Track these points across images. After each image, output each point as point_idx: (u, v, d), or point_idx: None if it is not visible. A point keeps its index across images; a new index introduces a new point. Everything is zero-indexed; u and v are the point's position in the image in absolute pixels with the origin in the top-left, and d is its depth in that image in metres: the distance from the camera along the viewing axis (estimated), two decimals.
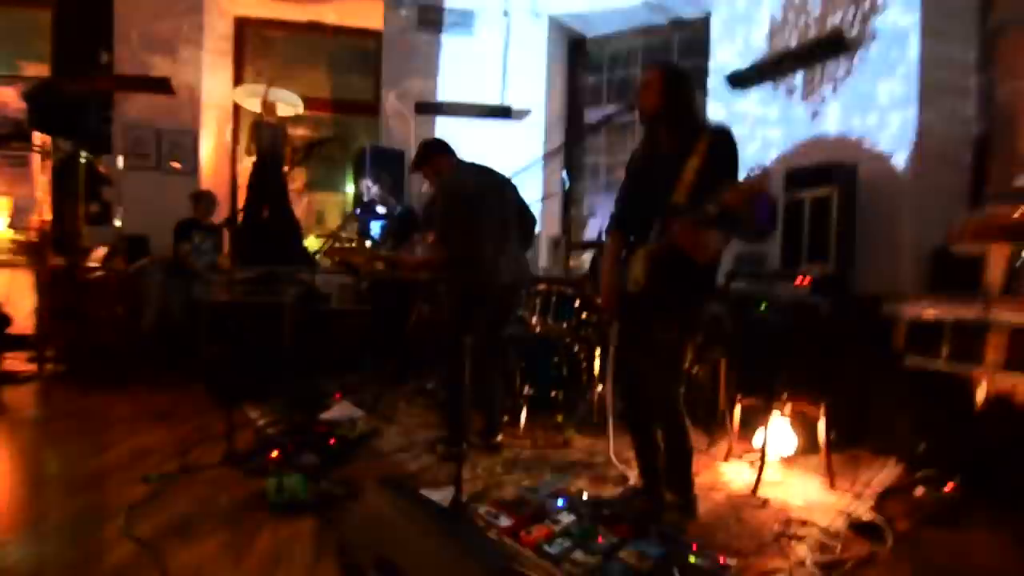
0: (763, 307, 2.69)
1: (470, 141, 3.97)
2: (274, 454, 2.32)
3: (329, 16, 5.28)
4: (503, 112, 5.04)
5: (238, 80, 5.19)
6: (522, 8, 5.11)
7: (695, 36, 4.93)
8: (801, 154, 3.60)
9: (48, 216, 4.46)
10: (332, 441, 2.57)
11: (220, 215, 4.50)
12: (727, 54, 4.27)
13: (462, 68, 5.12)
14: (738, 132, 1.92)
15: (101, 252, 4.42)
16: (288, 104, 4.81)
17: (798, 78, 3.70)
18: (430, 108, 4.99)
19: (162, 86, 4.64)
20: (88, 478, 2.20)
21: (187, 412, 3.13)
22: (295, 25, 5.28)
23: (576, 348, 3.21)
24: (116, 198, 4.68)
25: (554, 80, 5.37)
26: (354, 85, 5.53)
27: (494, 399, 2.61)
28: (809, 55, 3.59)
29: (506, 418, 2.81)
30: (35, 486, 2.22)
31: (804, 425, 2.54)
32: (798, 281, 2.97)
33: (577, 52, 5.56)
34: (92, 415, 3.10)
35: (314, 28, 5.34)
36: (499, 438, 2.60)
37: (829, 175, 3.05)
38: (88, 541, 1.70)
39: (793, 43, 3.71)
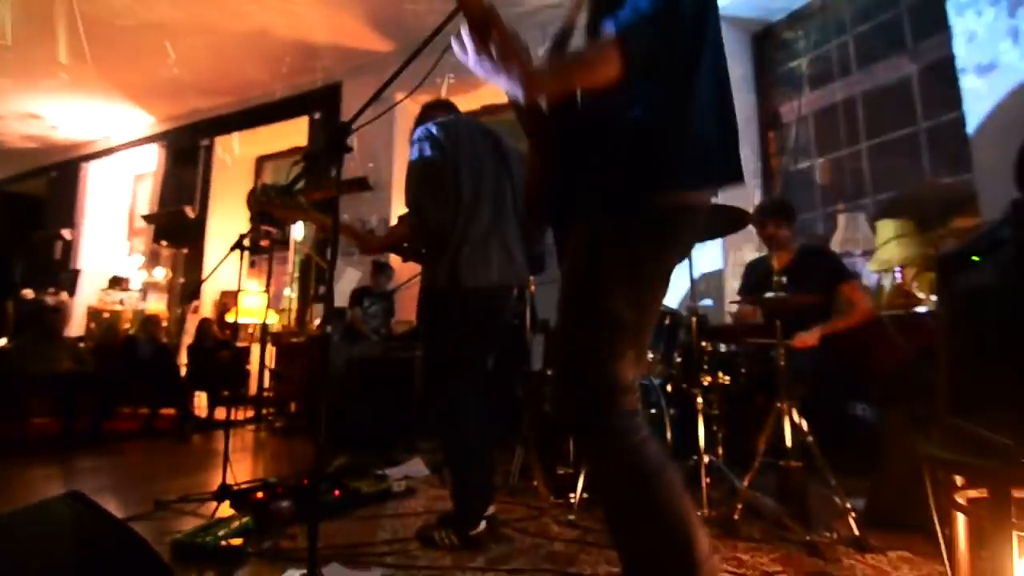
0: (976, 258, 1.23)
1: None
2: (259, 494, 2.09)
3: (499, 96, 5.64)
4: None
5: None
6: None
7: None
8: None
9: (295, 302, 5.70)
10: (336, 492, 2.20)
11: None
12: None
13: None
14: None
15: (315, 324, 5.31)
16: None
17: None
18: None
19: (362, 185, 5.58)
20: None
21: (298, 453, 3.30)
22: (469, 113, 5.79)
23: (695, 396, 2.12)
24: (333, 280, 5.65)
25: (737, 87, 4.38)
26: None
27: (468, 465, 1.74)
28: None
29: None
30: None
31: None
32: None
33: (765, 45, 4.48)
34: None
35: (485, 112, 5.75)
36: (479, 527, 1.71)
37: None
38: None
39: None
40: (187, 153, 6.93)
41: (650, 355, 2.21)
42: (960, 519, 1.03)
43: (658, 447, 0.93)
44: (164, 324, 5.96)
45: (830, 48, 4.02)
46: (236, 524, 1.81)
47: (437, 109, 2.07)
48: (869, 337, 2.69)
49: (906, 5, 3.62)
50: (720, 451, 2.15)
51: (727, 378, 2.16)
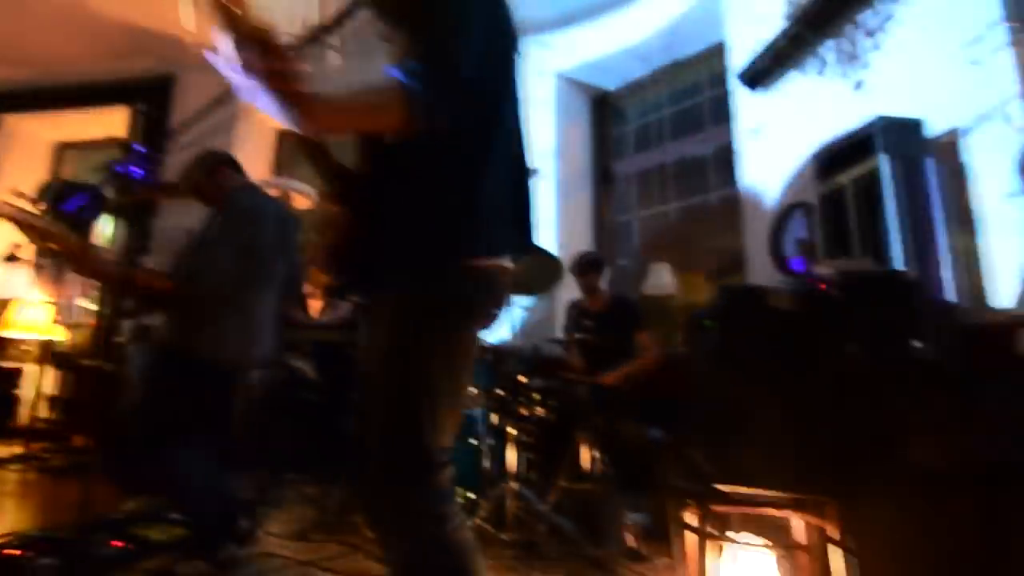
0: (707, 322, 1.54)
1: None
2: (12, 551, 1.77)
3: None
4: None
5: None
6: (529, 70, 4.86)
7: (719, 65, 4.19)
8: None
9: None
10: (118, 543, 1.95)
11: None
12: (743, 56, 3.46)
13: None
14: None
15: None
16: (303, 195, 4.94)
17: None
18: None
19: None
20: None
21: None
22: None
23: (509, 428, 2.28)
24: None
25: (570, 139, 4.85)
26: None
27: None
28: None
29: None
30: None
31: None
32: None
33: (601, 107, 5.06)
34: None
35: None
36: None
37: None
38: None
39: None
40: None
41: (474, 389, 2.34)
42: (687, 532, 1.28)
43: (468, 537, 0.89)
44: None
45: (650, 120, 4.70)
46: None
47: (230, 164, 2.03)
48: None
49: (707, 96, 4.39)
50: (533, 477, 2.33)
51: (542, 410, 2.37)
